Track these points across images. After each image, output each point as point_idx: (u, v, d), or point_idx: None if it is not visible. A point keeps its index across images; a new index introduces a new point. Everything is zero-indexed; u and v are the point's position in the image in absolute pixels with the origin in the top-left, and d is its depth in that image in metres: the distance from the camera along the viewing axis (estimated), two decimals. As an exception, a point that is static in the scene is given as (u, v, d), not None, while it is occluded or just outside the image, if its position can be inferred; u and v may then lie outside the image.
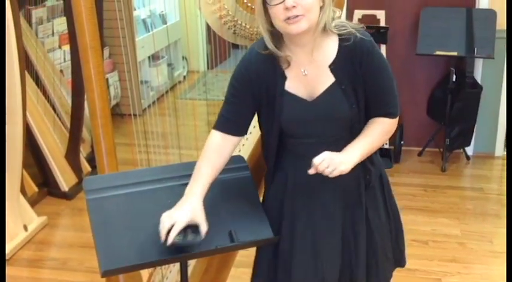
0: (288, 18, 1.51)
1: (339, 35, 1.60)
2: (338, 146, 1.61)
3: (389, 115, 1.65)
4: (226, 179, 1.77)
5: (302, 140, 1.68)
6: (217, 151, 1.68)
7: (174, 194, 1.64)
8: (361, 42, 1.59)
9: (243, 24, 2.03)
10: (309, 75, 1.62)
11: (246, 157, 2.10)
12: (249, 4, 1.99)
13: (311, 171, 1.53)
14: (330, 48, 1.61)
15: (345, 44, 1.59)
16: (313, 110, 1.62)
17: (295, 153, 1.71)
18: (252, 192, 1.81)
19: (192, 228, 1.54)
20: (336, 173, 1.53)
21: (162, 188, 1.70)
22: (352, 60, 1.59)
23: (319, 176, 1.55)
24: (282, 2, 1.50)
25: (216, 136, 1.70)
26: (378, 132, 1.65)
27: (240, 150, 2.26)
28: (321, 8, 1.55)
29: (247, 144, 2.30)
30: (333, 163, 1.52)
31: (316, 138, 1.65)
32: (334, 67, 1.61)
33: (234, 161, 1.80)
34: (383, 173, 1.80)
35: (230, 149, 1.70)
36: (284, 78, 1.63)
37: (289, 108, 1.64)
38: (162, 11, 5.86)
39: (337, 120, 1.64)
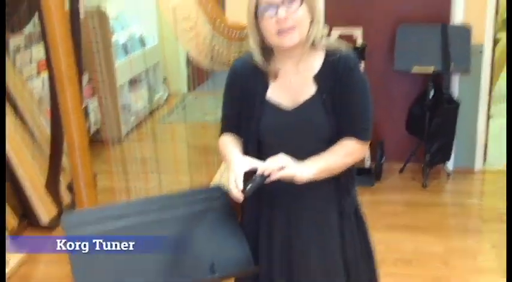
0: (280, 31, 1.56)
1: (326, 50, 1.66)
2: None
3: (358, 136, 1.65)
4: (206, 209, 1.76)
5: (277, 153, 1.67)
6: (232, 141, 1.74)
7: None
8: (346, 57, 1.65)
9: (220, 51, 2.05)
10: (294, 85, 1.66)
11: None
12: (226, 30, 2.01)
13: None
14: (316, 61, 1.66)
15: (331, 58, 1.65)
16: (292, 118, 1.66)
17: None
18: (232, 221, 1.79)
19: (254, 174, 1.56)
20: (298, 179, 1.54)
21: (140, 222, 1.68)
22: (334, 74, 1.63)
23: (295, 195, 1.60)
24: (274, 15, 1.55)
25: (225, 136, 1.76)
26: (343, 153, 1.64)
27: (220, 179, 2.26)
28: (311, 22, 1.60)
29: (226, 175, 2.30)
30: (287, 169, 1.53)
31: (294, 151, 1.64)
32: (317, 78, 1.65)
33: (213, 190, 1.80)
34: (359, 208, 1.81)
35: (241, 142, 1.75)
36: (266, 87, 1.68)
37: (268, 117, 1.67)
38: (141, 35, 5.86)
39: (316, 131, 1.65)
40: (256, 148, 1.71)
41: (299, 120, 1.65)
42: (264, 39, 1.62)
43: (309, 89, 1.66)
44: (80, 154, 1.92)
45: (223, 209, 1.78)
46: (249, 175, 1.57)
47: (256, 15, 1.58)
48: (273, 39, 1.59)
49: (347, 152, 1.65)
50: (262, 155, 1.70)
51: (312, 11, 1.60)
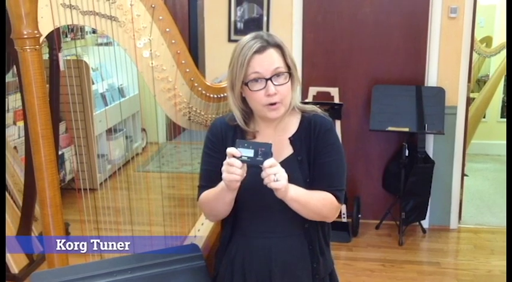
0: (268, 105, 1.59)
1: (302, 112, 1.70)
2: (283, 222, 1.65)
3: (334, 196, 1.67)
4: (182, 270, 1.74)
5: (253, 212, 1.70)
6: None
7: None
8: (322, 119, 1.69)
9: (198, 111, 2.06)
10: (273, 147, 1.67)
11: (201, 244, 2.08)
12: (204, 92, 2.03)
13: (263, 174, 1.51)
14: (293, 123, 1.69)
15: (307, 120, 1.68)
16: None
17: (246, 231, 1.72)
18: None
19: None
20: (276, 185, 1.50)
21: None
22: (310, 135, 1.66)
23: (267, 259, 1.62)
24: (263, 88, 1.58)
25: (204, 193, 1.71)
26: (323, 200, 1.64)
27: (195, 236, 2.24)
28: (292, 89, 1.65)
29: (202, 229, 2.28)
30: (280, 173, 1.51)
31: (270, 209, 1.66)
32: (293, 139, 1.68)
33: (189, 249, 1.78)
34: (334, 271, 1.80)
35: None
36: None
37: (246, 176, 1.65)
38: (121, 85, 5.89)
39: None
40: (233, 212, 1.71)
41: None
42: (246, 104, 1.66)
43: (286, 150, 1.68)
44: (52, 212, 1.88)
45: (198, 272, 1.76)
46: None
47: (245, 83, 1.61)
48: (259, 109, 1.63)
49: (326, 201, 1.65)
50: (238, 212, 1.71)
51: (294, 80, 1.65)
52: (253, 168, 1.52)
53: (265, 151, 1.49)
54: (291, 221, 1.68)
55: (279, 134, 1.69)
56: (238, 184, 1.54)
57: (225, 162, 1.52)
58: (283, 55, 1.62)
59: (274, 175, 1.49)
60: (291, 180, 1.62)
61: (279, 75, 1.60)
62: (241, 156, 1.50)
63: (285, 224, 1.69)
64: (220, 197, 1.62)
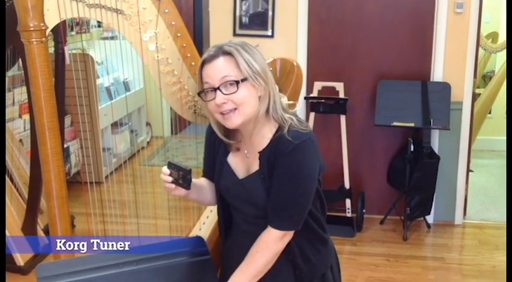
0: (221, 113, 1.57)
1: (279, 125, 1.62)
2: (258, 226, 1.64)
3: (272, 224, 1.60)
4: (187, 262, 1.75)
5: (235, 210, 1.76)
6: (205, 181, 1.81)
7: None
8: (285, 140, 1.57)
9: (202, 105, 2.06)
10: (248, 156, 1.69)
11: (206, 237, 2.08)
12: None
13: None
14: (267, 135, 1.63)
15: (276, 136, 1.61)
16: (240, 187, 1.68)
17: (234, 227, 1.78)
18: (212, 275, 1.78)
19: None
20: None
21: (117, 274, 1.66)
22: (274, 154, 1.60)
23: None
24: (213, 98, 1.55)
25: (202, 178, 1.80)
26: (258, 254, 1.61)
27: (200, 229, 2.24)
28: (260, 97, 1.58)
29: (207, 222, 2.29)
30: None
31: (245, 212, 1.71)
32: (261, 155, 1.63)
33: (194, 243, 1.78)
34: (327, 275, 1.77)
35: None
36: (227, 151, 1.72)
37: (225, 178, 1.72)
38: (126, 79, 5.90)
39: (258, 203, 1.65)
40: (220, 198, 1.77)
41: (245, 190, 1.67)
42: None
43: (255, 165, 1.66)
44: (58, 204, 1.89)
45: (203, 264, 1.77)
46: None
47: (199, 94, 1.61)
48: (218, 119, 1.60)
49: (259, 249, 1.61)
50: (224, 206, 1.78)
51: (259, 88, 1.57)
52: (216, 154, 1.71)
53: (184, 175, 1.58)
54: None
55: (254, 146, 1.66)
56: (182, 192, 1.62)
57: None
58: (236, 62, 1.54)
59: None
60: (253, 196, 1.64)
61: (229, 84, 1.54)
62: (170, 174, 1.61)
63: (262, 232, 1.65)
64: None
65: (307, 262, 1.70)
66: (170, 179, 1.60)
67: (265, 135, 1.62)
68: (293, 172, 1.57)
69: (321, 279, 1.75)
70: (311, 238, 1.71)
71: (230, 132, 1.67)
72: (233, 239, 1.80)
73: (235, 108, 1.55)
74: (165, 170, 1.60)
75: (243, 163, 1.69)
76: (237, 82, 1.53)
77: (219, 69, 1.54)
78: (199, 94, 1.60)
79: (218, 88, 1.54)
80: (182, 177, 1.58)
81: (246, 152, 1.68)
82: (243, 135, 1.67)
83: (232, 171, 1.70)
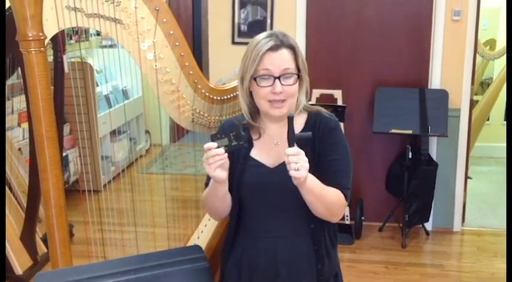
0: (272, 101, 1.62)
1: (308, 111, 1.72)
2: (289, 222, 1.66)
3: (341, 184, 1.66)
4: (185, 271, 1.74)
5: (258, 211, 1.71)
6: None
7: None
8: (326, 119, 1.71)
9: (201, 113, 2.07)
10: (277, 146, 1.70)
11: (204, 245, 2.09)
12: (207, 94, 2.04)
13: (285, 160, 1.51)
14: (298, 122, 1.70)
15: (312, 119, 1.70)
16: (274, 176, 1.67)
17: (251, 232, 1.74)
18: (209, 284, 1.78)
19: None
20: (295, 174, 1.49)
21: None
22: (314, 133, 1.66)
23: (273, 261, 1.61)
24: (271, 85, 1.60)
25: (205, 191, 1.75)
26: (334, 193, 1.64)
27: (198, 238, 2.25)
28: (300, 91, 1.67)
29: (205, 230, 2.29)
30: (302, 162, 1.50)
31: (273, 208, 1.69)
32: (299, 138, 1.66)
33: (192, 251, 1.78)
34: (339, 272, 1.81)
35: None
36: (251, 144, 1.71)
37: (250, 173, 1.70)
38: (125, 87, 5.91)
39: (296, 190, 1.62)
40: (238, 203, 1.73)
41: (281, 178, 1.63)
42: (253, 99, 1.68)
43: None
44: (56, 213, 1.89)
45: (201, 273, 1.77)
46: None
47: (254, 78, 1.63)
48: (263, 105, 1.65)
49: (338, 197, 1.64)
50: (240, 211, 1.74)
51: (303, 82, 1.67)
52: (234, 153, 1.61)
53: (236, 134, 1.55)
54: (296, 220, 1.69)
55: (285, 134, 1.69)
56: (224, 175, 1.57)
57: (203, 158, 1.55)
58: (295, 57, 1.64)
59: (296, 164, 1.48)
60: (289, 183, 1.61)
61: (288, 76, 1.62)
62: (217, 147, 1.54)
63: (290, 223, 1.70)
64: (213, 192, 1.67)
65: (327, 256, 1.73)
66: (222, 150, 1.53)
67: (296, 121, 1.67)
68: (344, 147, 1.69)
69: (334, 278, 1.78)
70: (330, 233, 1.75)
71: (254, 119, 1.72)
72: (248, 244, 1.77)
73: (285, 100, 1.63)
74: (211, 144, 1.53)
75: (270, 153, 1.70)
76: (297, 75, 1.63)
77: (284, 60, 1.62)
78: (254, 78, 1.63)
79: (278, 78, 1.60)
80: (236, 137, 1.55)
81: (275, 142, 1.71)
82: (271, 124, 1.71)
83: (259, 163, 1.71)
